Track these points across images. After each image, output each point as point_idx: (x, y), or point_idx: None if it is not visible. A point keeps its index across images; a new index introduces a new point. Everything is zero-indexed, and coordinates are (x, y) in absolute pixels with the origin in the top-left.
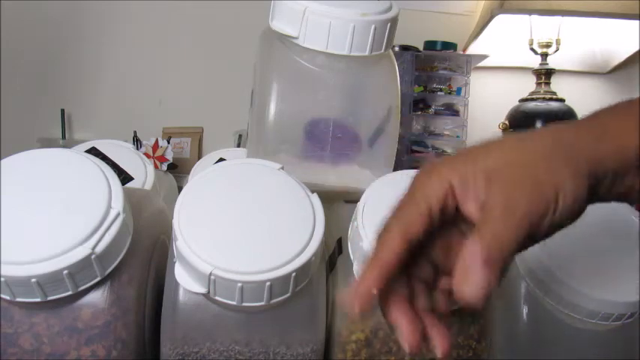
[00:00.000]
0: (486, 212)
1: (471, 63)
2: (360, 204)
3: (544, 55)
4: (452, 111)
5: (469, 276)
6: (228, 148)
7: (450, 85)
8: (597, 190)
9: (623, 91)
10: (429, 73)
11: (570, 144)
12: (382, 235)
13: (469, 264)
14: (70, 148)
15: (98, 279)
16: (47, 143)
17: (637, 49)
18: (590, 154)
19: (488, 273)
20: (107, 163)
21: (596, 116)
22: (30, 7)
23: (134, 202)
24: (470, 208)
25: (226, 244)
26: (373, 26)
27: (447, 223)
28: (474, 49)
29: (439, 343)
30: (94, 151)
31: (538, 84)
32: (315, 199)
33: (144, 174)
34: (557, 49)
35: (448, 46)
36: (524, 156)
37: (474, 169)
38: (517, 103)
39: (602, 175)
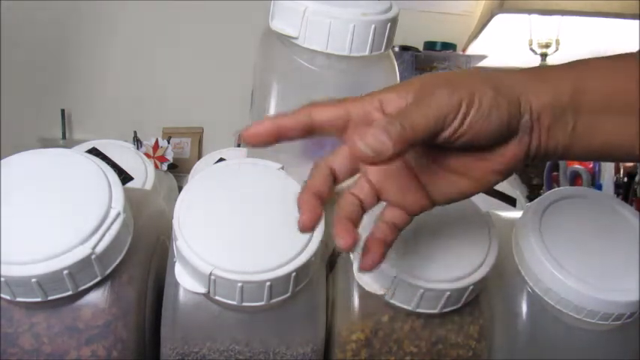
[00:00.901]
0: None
1: (470, 63)
2: None
3: (544, 55)
4: None
5: (367, 135)
6: (228, 148)
7: None
8: (531, 136)
9: None
10: (429, 73)
11: (499, 77)
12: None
13: (372, 127)
14: (70, 148)
15: (98, 279)
16: (47, 143)
17: (637, 49)
18: (519, 86)
19: (386, 138)
20: (107, 163)
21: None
22: (30, 7)
23: (134, 202)
24: (392, 110)
25: (226, 244)
26: (373, 26)
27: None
28: (473, 49)
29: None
30: (94, 151)
31: None
32: None
33: (144, 174)
34: (556, 49)
35: (448, 46)
36: (452, 73)
37: (403, 83)
38: None
39: (525, 111)
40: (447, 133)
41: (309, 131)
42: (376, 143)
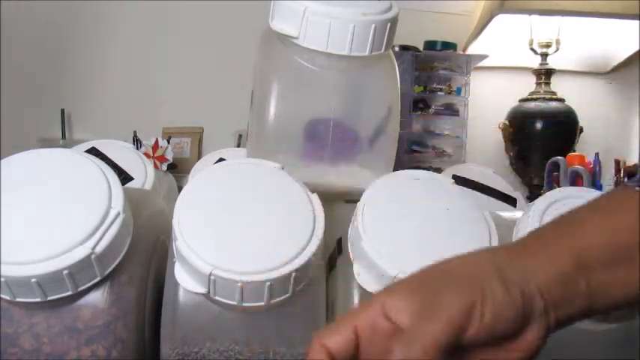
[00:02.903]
0: (411, 315)
1: (470, 63)
2: (360, 204)
3: (544, 55)
4: (452, 111)
5: None
6: (228, 148)
7: (449, 85)
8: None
9: (623, 91)
10: (429, 73)
11: (504, 264)
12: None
13: None
14: (70, 148)
15: (98, 279)
16: (47, 143)
17: (637, 49)
18: (524, 271)
19: None
20: (107, 163)
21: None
22: (30, 8)
23: (134, 202)
24: (400, 318)
25: (226, 244)
26: (373, 26)
27: None
28: (473, 49)
29: None
30: (94, 151)
31: (538, 84)
32: (315, 199)
33: (144, 174)
34: (557, 49)
35: (448, 46)
36: (452, 262)
37: (403, 283)
38: (517, 103)
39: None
40: (464, 339)
41: None
42: None
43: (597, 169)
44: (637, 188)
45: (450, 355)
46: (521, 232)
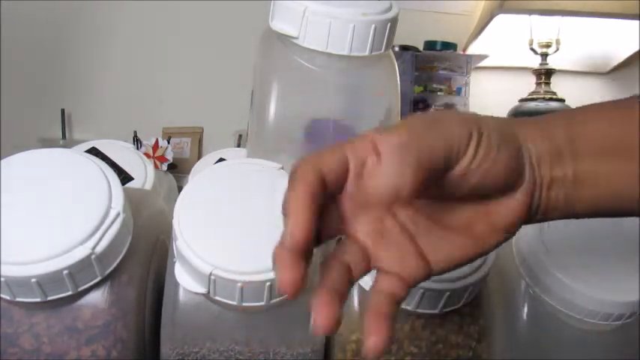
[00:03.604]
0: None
1: (471, 63)
2: None
3: (544, 55)
4: None
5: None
6: (228, 148)
7: (449, 85)
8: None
9: (623, 90)
10: (429, 73)
11: (497, 120)
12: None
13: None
14: (70, 148)
15: (98, 279)
16: (47, 143)
17: (637, 49)
18: (517, 132)
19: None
20: (107, 163)
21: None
22: (30, 8)
23: (134, 202)
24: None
25: (226, 244)
26: (373, 26)
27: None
28: (473, 49)
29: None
30: (94, 151)
31: (538, 84)
32: None
33: (144, 174)
34: (557, 49)
35: (448, 46)
36: (449, 112)
37: (396, 123)
38: (517, 103)
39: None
40: (457, 172)
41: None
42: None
43: None
44: None
45: (425, 212)
46: (521, 232)
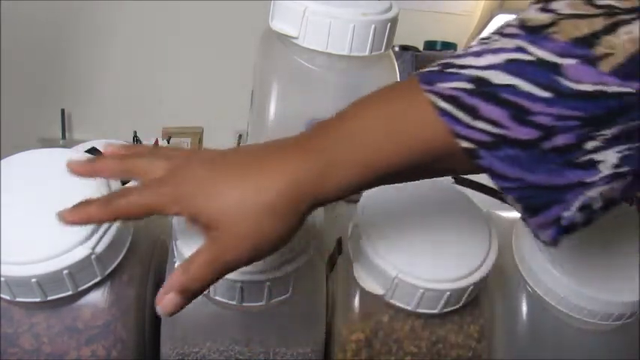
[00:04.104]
0: (199, 253)
1: None
2: (359, 204)
3: None
4: None
5: (162, 294)
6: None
7: None
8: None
9: None
10: None
11: (297, 186)
12: None
13: (167, 285)
14: (70, 148)
15: (98, 279)
16: (47, 143)
17: None
18: (315, 192)
19: (179, 299)
20: None
21: (320, 142)
22: (30, 8)
23: None
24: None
25: None
26: (373, 26)
27: None
28: None
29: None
30: (93, 151)
31: None
32: None
33: None
34: None
35: (448, 46)
36: (250, 202)
37: (206, 203)
38: None
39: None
40: None
41: None
42: (169, 310)
43: None
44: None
45: None
46: (520, 232)
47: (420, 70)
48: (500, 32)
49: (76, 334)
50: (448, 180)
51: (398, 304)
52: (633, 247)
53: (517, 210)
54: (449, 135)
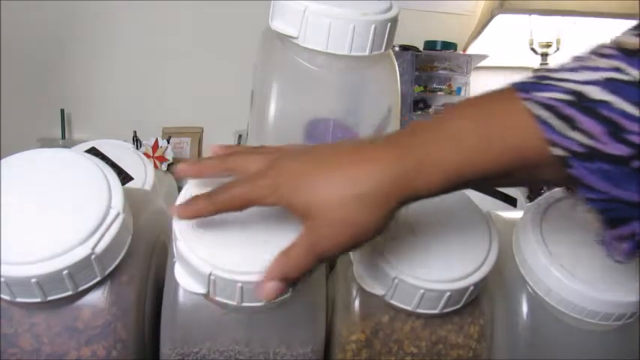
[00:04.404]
0: (297, 242)
1: (471, 63)
2: None
3: (544, 55)
4: None
5: (265, 283)
6: None
7: (450, 85)
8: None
9: None
10: (429, 73)
11: (390, 181)
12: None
13: (269, 273)
14: (70, 148)
15: (98, 279)
16: (47, 143)
17: None
18: (407, 189)
19: (280, 286)
20: (107, 163)
21: (415, 143)
22: (30, 7)
23: (134, 202)
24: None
25: (226, 244)
26: (373, 26)
27: None
28: (473, 49)
29: None
30: (94, 151)
31: None
32: None
33: (144, 174)
34: (557, 49)
35: (448, 46)
36: (345, 192)
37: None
38: None
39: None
40: None
41: None
42: (270, 296)
43: None
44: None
45: None
46: (521, 232)
47: (515, 81)
48: (596, 52)
49: (76, 334)
50: None
51: (398, 304)
52: None
53: (598, 221)
54: (543, 142)
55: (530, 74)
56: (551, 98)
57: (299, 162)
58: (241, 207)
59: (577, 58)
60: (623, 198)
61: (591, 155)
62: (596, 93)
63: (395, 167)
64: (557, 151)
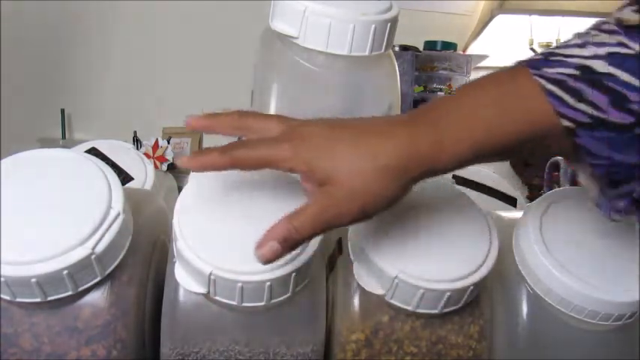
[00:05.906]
0: (307, 206)
1: (470, 63)
2: None
3: None
4: None
5: (264, 242)
6: None
7: (450, 85)
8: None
9: None
10: (429, 73)
11: (412, 153)
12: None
13: (269, 233)
14: (70, 148)
15: (98, 279)
16: (47, 143)
17: None
18: (428, 162)
19: (278, 248)
20: (107, 163)
21: (433, 119)
22: (30, 7)
23: (134, 202)
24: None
25: (226, 244)
26: (373, 26)
27: None
28: (473, 49)
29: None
30: (94, 151)
31: None
32: None
33: (144, 174)
34: None
35: (448, 46)
36: (366, 163)
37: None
38: None
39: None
40: None
41: None
42: (268, 257)
43: None
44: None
45: None
46: (521, 232)
47: (524, 59)
48: (598, 28)
49: (76, 334)
50: (448, 180)
51: (398, 304)
52: (633, 248)
53: (598, 184)
54: (553, 115)
55: (538, 53)
56: (559, 73)
57: (321, 129)
58: (257, 166)
59: (580, 35)
60: (624, 161)
61: (596, 125)
62: (601, 66)
63: (418, 141)
64: (565, 122)
